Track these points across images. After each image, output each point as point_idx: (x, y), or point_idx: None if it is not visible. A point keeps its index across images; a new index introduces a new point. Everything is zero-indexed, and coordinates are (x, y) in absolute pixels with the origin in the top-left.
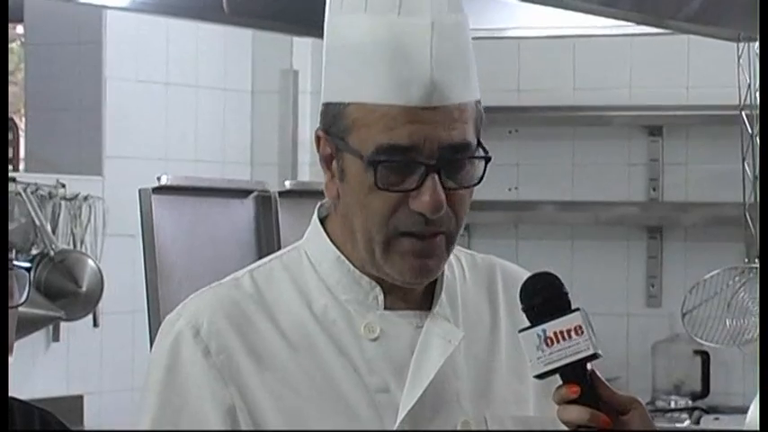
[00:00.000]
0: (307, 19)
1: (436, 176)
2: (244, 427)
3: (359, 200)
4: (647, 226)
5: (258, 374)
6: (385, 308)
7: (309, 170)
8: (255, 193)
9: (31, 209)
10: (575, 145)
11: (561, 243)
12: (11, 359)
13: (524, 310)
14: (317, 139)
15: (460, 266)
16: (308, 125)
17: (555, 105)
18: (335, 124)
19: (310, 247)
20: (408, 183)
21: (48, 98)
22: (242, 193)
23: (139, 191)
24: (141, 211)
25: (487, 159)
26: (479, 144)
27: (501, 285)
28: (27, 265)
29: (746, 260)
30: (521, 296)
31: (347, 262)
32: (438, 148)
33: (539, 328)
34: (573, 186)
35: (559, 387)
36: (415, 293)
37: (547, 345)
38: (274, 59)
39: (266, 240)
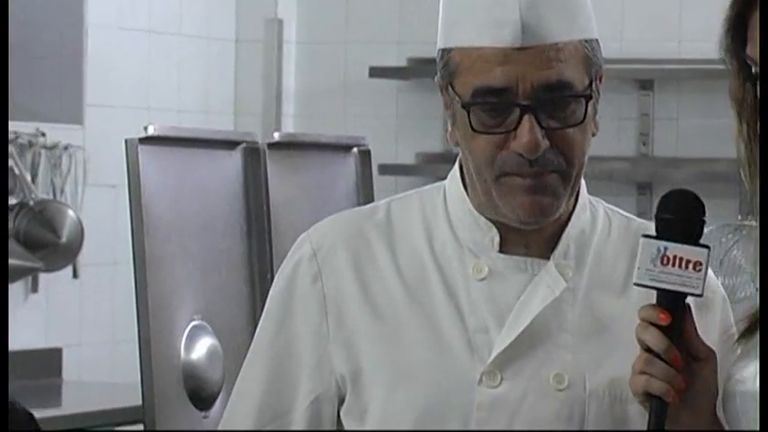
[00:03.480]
0: None
1: (532, 117)
2: (335, 357)
3: (467, 144)
4: (636, 181)
5: (361, 305)
6: (502, 252)
7: (293, 121)
8: (243, 145)
9: (12, 157)
10: None
11: None
12: None
13: (657, 217)
14: (439, 86)
15: (608, 224)
16: (293, 75)
17: None
18: (444, 70)
19: (448, 185)
20: (506, 124)
21: (29, 45)
22: (230, 144)
23: (126, 141)
24: (127, 162)
25: (587, 98)
26: (592, 83)
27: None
28: None
29: (739, 217)
30: (660, 203)
31: (468, 202)
32: (532, 88)
33: (662, 243)
34: None
35: (652, 306)
36: (538, 241)
37: (662, 262)
38: (259, 8)
39: (254, 192)
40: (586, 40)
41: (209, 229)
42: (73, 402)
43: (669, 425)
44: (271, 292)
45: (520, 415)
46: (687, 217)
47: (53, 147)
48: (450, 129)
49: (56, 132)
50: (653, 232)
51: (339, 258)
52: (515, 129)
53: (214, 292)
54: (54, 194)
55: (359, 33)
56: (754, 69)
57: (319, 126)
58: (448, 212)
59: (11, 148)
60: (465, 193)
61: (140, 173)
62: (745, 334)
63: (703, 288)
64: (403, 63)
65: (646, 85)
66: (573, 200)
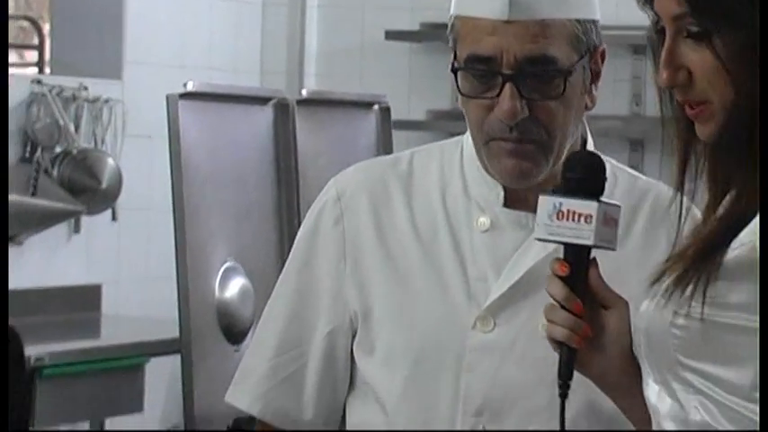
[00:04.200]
0: None
1: (513, 86)
2: (349, 294)
3: (463, 107)
4: (629, 139)
5: (376, 249)
6: (506, 207)
7: (315, 80)
8: (274, 101)
9: (55, 109)
10: None
11: None
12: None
13: (561, 177)
14: (452, 50)
15: (613, 182)
16: (315, 37)
17: None
18: (451, 35)
19: (465, 141)
20: (490, 92)
21: (73, 6)
22: (261, 100)
23: (167, 96)
24: (168, 116)
25: (568, 74)
26: (582, 59)
27: (648, 207)
28: None
29: None
30: (564, 163)
31: (478, 159)
32: (515, 59)
33: (557, 199)
34: None
35: (556, 259)
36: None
37: (557, 217)
38: None
39: (283, 144)
40: (578, 20)
41: (242, 178)
42: (111, 335)
43: (582, 369)
44: (299, 232)
45: (509, 359)
46: (584, 174)
47: (95, 100)
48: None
49: (97, 87)
50: (658, 191)
51: (360, 203)
52: (498, 96)
53: (246, 236)
54: (95, 144)
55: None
56: (659, 23)
57: (338, 84)
58: (463, 167)
59: (57, 101)
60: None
61: (179, 126)
62: (654, 281)
63: (600, 238)
64: (416, 27)
65: (639, 50)
66: (556, 159)
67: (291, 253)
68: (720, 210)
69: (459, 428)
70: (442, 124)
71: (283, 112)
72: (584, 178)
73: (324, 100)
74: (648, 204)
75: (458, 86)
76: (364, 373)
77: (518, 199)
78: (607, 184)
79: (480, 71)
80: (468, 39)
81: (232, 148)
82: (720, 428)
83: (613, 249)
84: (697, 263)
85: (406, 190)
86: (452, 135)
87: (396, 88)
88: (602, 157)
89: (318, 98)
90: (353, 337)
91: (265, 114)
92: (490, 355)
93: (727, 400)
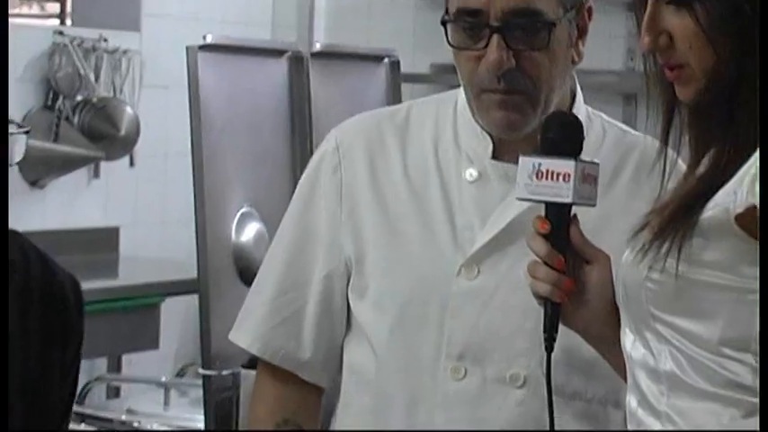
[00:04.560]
0: None
1: (500, 37)
2: (345, 240)
3: (455, 60)
4: (623, 93)
5: (370, 197)
6: (495, 158)
7: (324, 34)
8: (289, 54)
9: (76, 59)
10: None
11: None
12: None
13: (539, 138)
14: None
15: (602, 135)
16: None
17: None
18: None
19: (459, 94)
20: (479, 44)
21: None
22: (277, 53)
23: (187, 48)
24: (188, 66)
25: (552, 25)
26: (567, 13)
27: (634, 162)
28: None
29: None
30: (542, 124)
31: (469, 112)
32: (502, 12)
33: (536, 160)
34: None
35: (537, 217)
36: (528, 150)
37: (537, 177)
38: None
39: (298, 95)
40: None
41: (258, 128)
42: (128, 275)
43: (567, 322)
44: (301, 179)
45: (491, 304)
46: (562, 134)
47: (114, 51)
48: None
49: (116, 38)
50: (645, 145)
51: (357, 153)
52: (486, 47)
53: (261, 183)
54: (114, 93)
55: None
56: None
57: (346, 38)
58: (456, 119)
59: (78, 52)
60: (467, 102)
61: (199, 76)
62: (635, 233)
63: (579, 196)
64: None
65: (632, 7)
66: (543, 110)
67: (293, 199)
68: (701, 169)
69: (441, 371)
70: (446, 77)
71: (297, 64)
72: (562, 138)
73: (336, 53)
74: (635, 158)
75: (447, 39)
76: (357, 315)
77: (506, 151)
78: (595, 138)
79: (469, 23)
80: None
81: (248, 98)
82: (688, 380)
83: (593, 206)
84: (674, 220)
85: (401, 140)
86: (454, 87)
87: (401, 42)
88: (594, 111)
89: (331, 51)
90: (349, 280)
91: (280, 66)
92: (473, 301)
93: (696, 353)
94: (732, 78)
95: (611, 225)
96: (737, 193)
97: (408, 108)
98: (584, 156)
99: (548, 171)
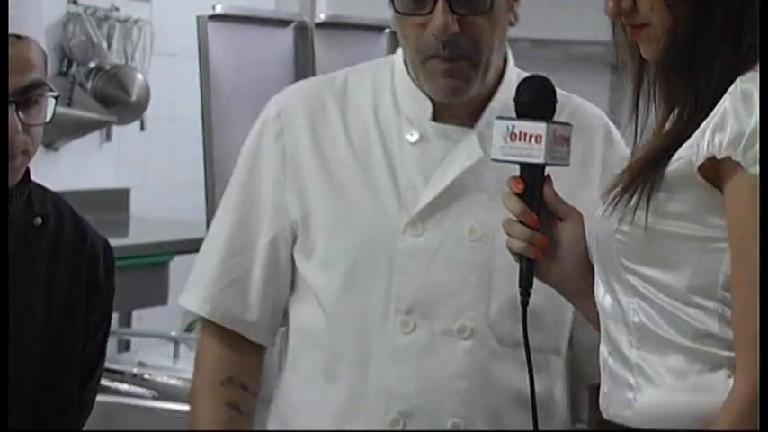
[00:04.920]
0: None
1: (445, 2)
2: (290, 203)
3: (399, 27)
4: (610, 63)
5: (314, 161)
6: (434, 120)
7: (327, 4)
8: (294, 23)
9: (89, 28)
10: None
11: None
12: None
13: (514, 101)
14: None
15: None
16: None
17: None
18: None
19: (395, 60)
20: (424, 9)
21: None
22: (283, 23)
23: (197, 17)
24: (198, 35)
25: None
26: None
27: (564, 119)
28: (56, 93)
29: None
30: (516, 88)
31: (408, 77)
32: None
33: (509, 122)
34: (548, 25)
35: (511, 177)
36: (466, 112)
37: (510, 139)
38: None
39: (303, 64)
40: None
41: (265, 95)
42: (138, 234)
43: (542, 277)
44: (243, 147)
45: (436, 261)
46: (535, 98)
47: (125, 20)
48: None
49: (127, 8)
50: (572, 104)
51: (298, 119)
52: (431, 13)
53: None
54: (125, 60)
55: None
56: None
57: (348, 9)
58: (394, 85)
59: (91, 20)
60: (406, 68)
61: (208, 45)
62: (606, 192)
63: (551, 156)
64: None
65: None
66: (495, 79)
67: (237, 166)
68: (667, 125)
69: (391, 326)
70: None
71: (303, 33)
72: (534, 102)
73: (339, 23)
74: (564, 117)
75: (393, 5)
76: (305, 275)
77: (445, 113)
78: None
79: None
80: None
81: (256, 66)
82: (658, 330)
83: (566, 165)
84: (642, 175)
85: (341, 106)
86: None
87: None
88: (523, 73)
89: (335, 21)
90: (294, 243)
91: (286, 36)
92: (419, 257)
93: (665, 302)
94: (689, 39)
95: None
96: (699, 146)
97: (346, 75)
98: (506, 107)
99: (521, 133)
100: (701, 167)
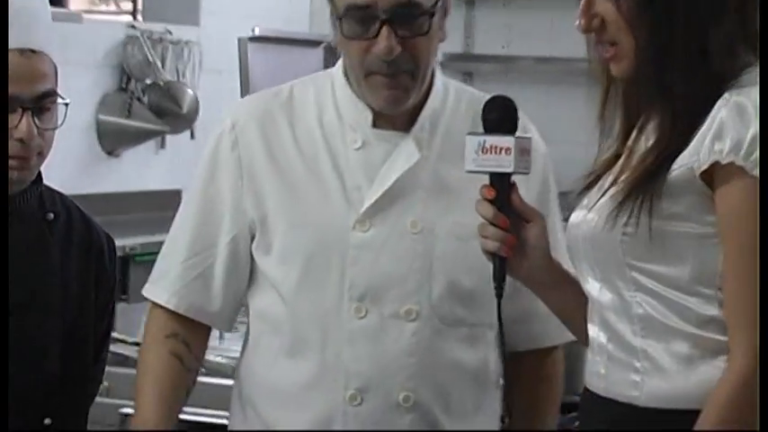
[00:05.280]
0: None
1: (389, 28)
2: (248, 205)
3: (344, 48)
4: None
5: (267, 167)
6: (374, 127)
7: (430, 21)
8: (324, 44)
9: (146, 49)
10: (552, 14)
11: (541, 88)
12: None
13: (482, 119)
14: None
15: (457, 102)
16: None
17: None
18: None
19: (335, 73)
20: (369, 33)
21: None
22: (313, 43)
23: (238, 39)
24: (239, 54)
25: (432, 14)
26: (438, 3)
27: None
28: (67, 100)
29: None
30: (483, 107)
31: (349, 89)
32: (389, 5)
33: (481, 138)
34: (550, 43)
35: (484, 185)
36: (402, 119)
37: (482, 152)
38: None
39: None
40: None
41: None
42: None
43: (512, 273)
44: (202, 158)
45: (383, 253)
46: (501, 115)
47: (177, 42)
48: (333, 32)
49: (179, 31)
50: (480, 102)
51: (251, 130)
52: (376, 37)
53: None
54: (177, 77)
55: None
56: None
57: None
58: (335, 96)
59: (147, 42)
60: (347, 81)
61: (249, 63)
62: (578, 194)
63: (517, 166)
64: None
65: None
66: (426, 88)
67: (195, 175)
68: (650, 140)
69: (345, 312)
70: (455, 64)
71: (331, 53)
72: (501, 119)
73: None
74: (470, 110)
75: (341, 31)
76: (263, 269)
77: (383, 120)
78: (452, 104)
79: (360, 17)
80: None
81: (289, 80)
82: (662, 319)
83: (528, 173)
84: (641, 185)
85: (288, 116)
86: (463, 72)
87: None
88: (448, 80)
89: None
90: (252, 240)
91: (317, 55)
92: (368, 250)
93: (669, 293)
94: (655, 60)
95: (471, 187)
96: (700, 154)
97: (290, 88)
98: (447, 121)
99: (491, 146)
100: (702, 173)
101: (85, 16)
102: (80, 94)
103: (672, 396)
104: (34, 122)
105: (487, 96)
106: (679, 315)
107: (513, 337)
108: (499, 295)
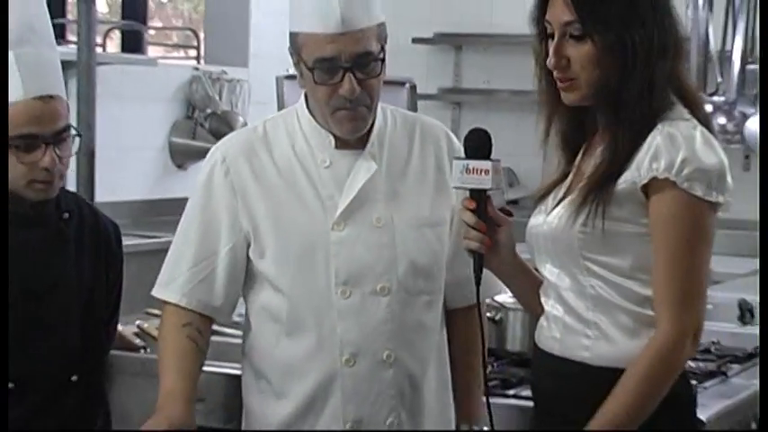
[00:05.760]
0: None
1: (351, 74)
2: (242, 220)
3: (312, 90)
4: None
5: (256, 188)
6: (336, 148)
7: (380, 65)
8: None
9: (207, 86)
10: (523, 57)
11: (514, 115)
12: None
13: (464, 146)
14: (290, 52)
15: (394, 121)
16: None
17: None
18: (293, 45)
19: (300, 110)
20: (335, 79)
21: (217, 20)
22: None
23: (276, 78)
24: (277, 90)
25: (382, 60)
26: (383, 49)
27: (418, 135)
28: (80, 133)
29: None
30: (465, 137)
31: (314, 121)
32: (350, 56)
33: (465, 162)
34: (522, 81)
35: (466, 198)
36: (357, 140)
37: (466, 172)
38: None
39: None
40: (378, 24)
41: None
42: None
43: (487, 266)
44: (197, 185)
45: (357, 245)
46: (479, 143)
47: (231, 80)
48: (299, 77)
49: (233, 71)
50: (422, 121)
51: (239, 160)
52: (341, 81)
53: None
54: (231, 107)
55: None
56: (549, 29)
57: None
58: (301, 127)
59: (208, 81)
60: (310, 114)
61: (285, 97)
62: (537, 200)
63: (494, 184)
64: (431, 35)
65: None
66: (374, 115)
67: (192, 199)
68: (597, 159)
69: (334, 295)
70: (448, 96)
71: None
72: (479, 146)
73: (387, 81)
74: (418, 130)
75: (313, 78)
76: (260, 269)
77: (343, 142)
78: (390, 124)
79: (327, 67)
80: (313, 46)
81: None
82: (610, 297)
83: (501, 189)
84: (592, 193)
85: (266, 147)
86: (453, 103)
87: (417, 72)
88: (384, 105)
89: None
90: (248, 247)
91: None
92: (346, 245)
93: (615, 278)
94: (616, 89)
95: (410, 181)
96: (641, 171)
97: (264, 124)
98: (390, 138)
99: (473, 168)
100: (642, 186)
101: (160, 61)
102: (156, 121)
103: (616, 357)
104: (55, 153)
105: (421, 116)
106: (622, 295)
107: (450, 297)
108: (477, 282)
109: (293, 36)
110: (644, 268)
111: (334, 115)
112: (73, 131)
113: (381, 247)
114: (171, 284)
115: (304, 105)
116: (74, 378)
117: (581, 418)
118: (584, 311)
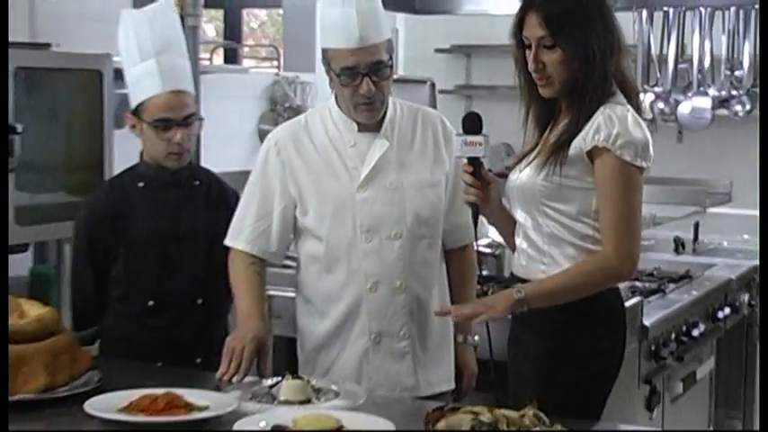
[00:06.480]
0: None
1: (368, 78)
2: (290, 187)
3: (339, 90)
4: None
5: (300, 163)
6: (359, 132)
7: (403, 66)
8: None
9: (285, 87)
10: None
11: (514, 104)
12: None
13: (462, 125)
14: (323, 62)
15: (402, 111)
16: (402, 46)
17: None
18: (324, 57)
19: (331, 105)
20: (356, 82)
21: (292, 39)
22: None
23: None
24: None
25: (391, 67)
26: (391, 58)
27: (420, 120)
28: (202, 117)
29: None
30: (463, 118)
31: (342, 112)
32: (367, 64)
33: (464, 137)
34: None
35: (465, 163)
36: (375, 125)
37: (465, 145)
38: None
39: None
40: (387, 39)
41: None
42: None
43: (482, 214)
44: (257, 162)
45: (376, 203)
46: (474, 123)
47: (303, 82)
48: (329, 81)
49: (304, 76)
50: (423, 111)
51: (288, 144)
52: (360, 83)
53: None
54: (302, 103)
55: (423, 26)
56: (526, 41)
57: (404, 71)
58: (332, 117)
59: (286, 83)
60: (339, 108)
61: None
62: (515, 163)
63: (484, 152)
64: (448, 46)
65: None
66: (386, 107)
67: (252, 173)
68: (557, 133)
69: (359, 240)
70: (464, 91)
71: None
72: (473, 125)
73: (399, 79)
74: (420, 118)
75: (340, 82)
76: (305, 225)
77: (364, 127)
78: (399, 112)
79: (349, 73)
80: (339, 58)
81: None
82: (560, 234)
83: (486, 156)
84: (553, 155)
85: (307, 132)
86: (466, 96)
87: (437, 72)
88: (396, 100)
89: (404, 79)
90: (295, 208)
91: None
92: (367, 203)
93: (565, 220)
94: (581, 85)
95: (414, 154)
96: (586, 140)
97: (305, 116)
98: (399, 122)
99: (471, 141)
100: (587, 152)
101: (251, 70)
102: (247, 114)
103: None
104: (185, 133)
105: (422, 107)
106: (570, 233)
107: (447, 240)
108: (475, 224)
109: (324, 51)
110: (587, 213)
111: (356, 108)
112: (198, 119)
113: (394, 204)
114: (239, 236)
115: (334, 101)
116: (199, 301)
117: (541, 319)
118: (542, 245)
